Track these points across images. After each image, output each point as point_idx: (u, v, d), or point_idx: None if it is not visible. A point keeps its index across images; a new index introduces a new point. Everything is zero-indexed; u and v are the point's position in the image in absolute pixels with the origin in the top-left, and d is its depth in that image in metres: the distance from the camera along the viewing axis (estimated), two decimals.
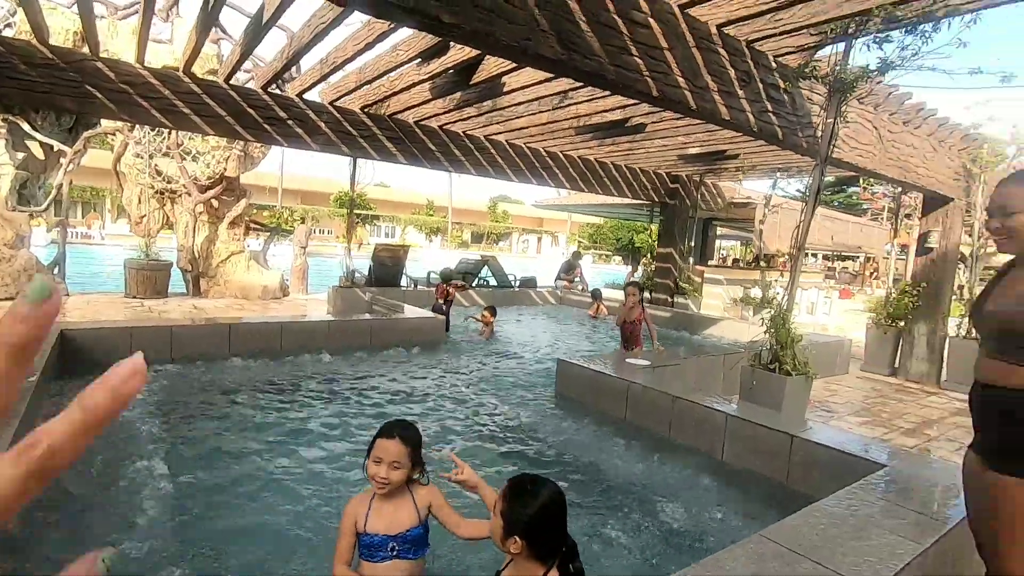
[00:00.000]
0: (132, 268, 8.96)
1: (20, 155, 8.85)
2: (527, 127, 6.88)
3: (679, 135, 6.92)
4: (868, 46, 3.35)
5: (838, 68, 3.61)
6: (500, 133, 7.50)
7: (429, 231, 45.51)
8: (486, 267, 11.64)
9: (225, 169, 9.44)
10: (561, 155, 8.51)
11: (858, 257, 30.80)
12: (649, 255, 11.50)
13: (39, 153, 9.18)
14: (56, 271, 8.73)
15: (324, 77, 5.31)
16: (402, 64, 4.85)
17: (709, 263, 16.78)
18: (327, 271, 13.16)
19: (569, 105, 5.94)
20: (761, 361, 3.88)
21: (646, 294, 10.85)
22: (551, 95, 5.56)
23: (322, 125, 6.26)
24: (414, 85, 5.48)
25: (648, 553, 2.42)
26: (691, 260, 10.47)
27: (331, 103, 6.26)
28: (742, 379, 3.91)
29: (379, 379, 4.93)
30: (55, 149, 9.05)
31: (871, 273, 28.73)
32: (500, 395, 4.71)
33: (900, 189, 8.67)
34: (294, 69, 7.21)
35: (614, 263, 46.36)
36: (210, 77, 5.70)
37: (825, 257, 33.12)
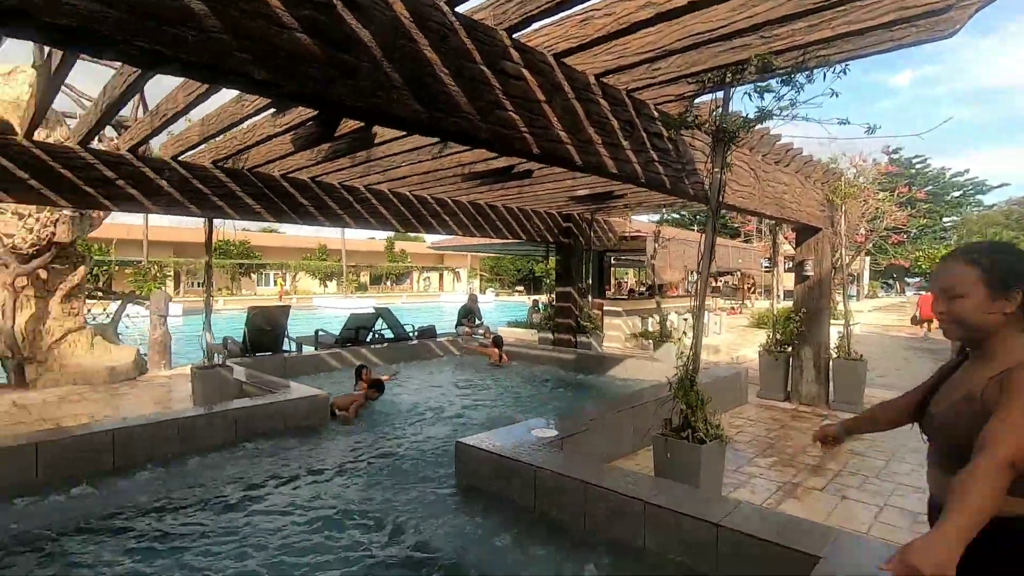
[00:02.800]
0: None
1: None
2: (410, 175, 6.40)
3: (567, 179, 6.78)
4: (749, 95, 3.26)
5: (718, 117, 3.51)
6: (381, 183, 6.95)
7: (323, 276, 43.20)
8: (380, 320, 10.86)
9: (54, 234, 7.99)
10: (450, 201, 8.10)
11: (736, 272, 33.46)
12: (549, 293, 11.35)
13: None
14: None
15: (156, 131, 4.49)
16: (251, 116, 4.18)
17: (607, 293, 17.14)
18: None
19: (451, 154, 5.55)
20: (672, 427, 3.60)
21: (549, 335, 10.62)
22: (430, 144, 5.13)
23: (163, 184, 5.35)
24: (271, 137, 4.81)
25: None
26: (589, 297, 10.42)
27: (174, 158, 5.39)
28: (655, 451, 3.60)
29: (238, 490, 4.07)
30: None
31: (749, 287, 31.26)
32: (390, 495, 4.03)
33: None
34: (131, 113, 6.24)
35: (516, 294, 46.74)
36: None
37: (710, 275, 35.65)
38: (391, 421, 6.12)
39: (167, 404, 7.11)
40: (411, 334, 11.14)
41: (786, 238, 16.65)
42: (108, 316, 10.15)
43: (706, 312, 14.06)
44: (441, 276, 51.91)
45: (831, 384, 7.30)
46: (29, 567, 2.99)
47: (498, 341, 9.86)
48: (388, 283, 46.71)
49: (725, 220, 34.95)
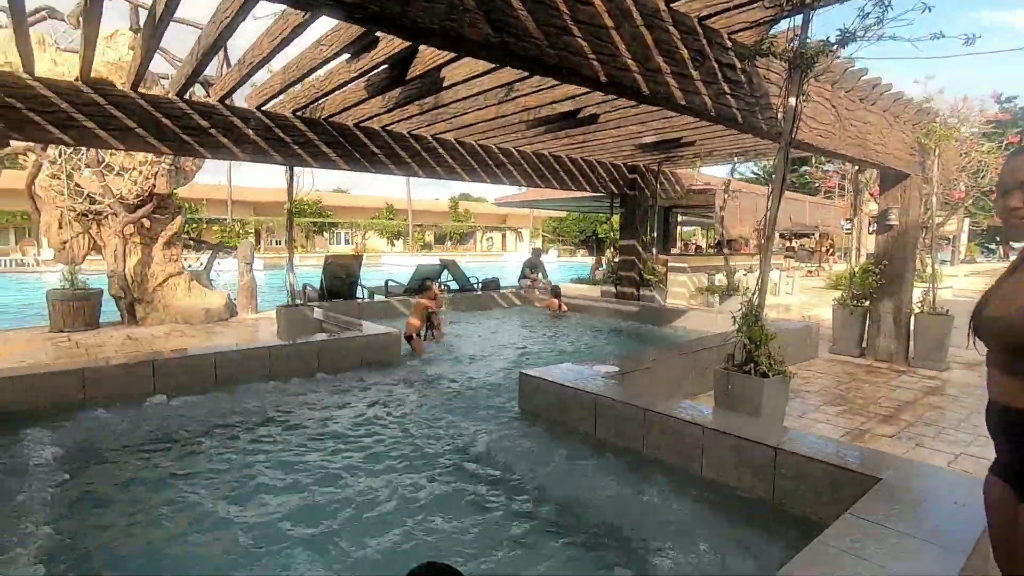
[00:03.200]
0: (56, 300, 8.20)
1: None
2: (475, 123, 6.49)
3: (633, 124, 6.65)
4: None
5: (796, 43, 3.35)
6: (447, 132, 7.08)
7: (390, 235, 44.57)
8: (446, 271, 11.21)
9: (154, 185, 8.74)
10: (514, 151, 8.15)
11: (813, 234, 31.48)
12: (612, 248, 11.28)
13: None
14: None
15: (243, 79, 4.80)
16: (328, 60, 4.39)
17: (672, 251, 16.75)
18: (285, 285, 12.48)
19: (516, 97, 5.58)
20: (734, 362, 3.61)
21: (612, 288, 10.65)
22: (495, 88, 5.19)
23: (250, 133, 5.73)
24: (346, 83, 5.02)
25: None
26: (654, 251, 10.27)
27: (258, 108, 5.74)
28: (716, 384, 3.64)
29: (327, 409, 4.49)
30: None
31: (827, 249, 29.42)
32: (460, 417, 4.32)
33: (856, 167, 8.65)
34: (216, 72, 6.65)
35: (579, 255, 46.39)
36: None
37: (782, 236, 33.65)
38: (457, 359, 6.44)
39: (256, 341, 7.77)
40: (475, 286, 11.45)
41: (872, 195, 15.48)
42: (201, 264, 11.07)
43: (777, 271, 13.49)
44: (504, 236, 52.22)
45: (912, 340, 6.94)
46: (161, 455, 3.48)
47: (556, 291, 9.99)
48: (449, 243, 47.61)
49: (804, 178, 32.80)
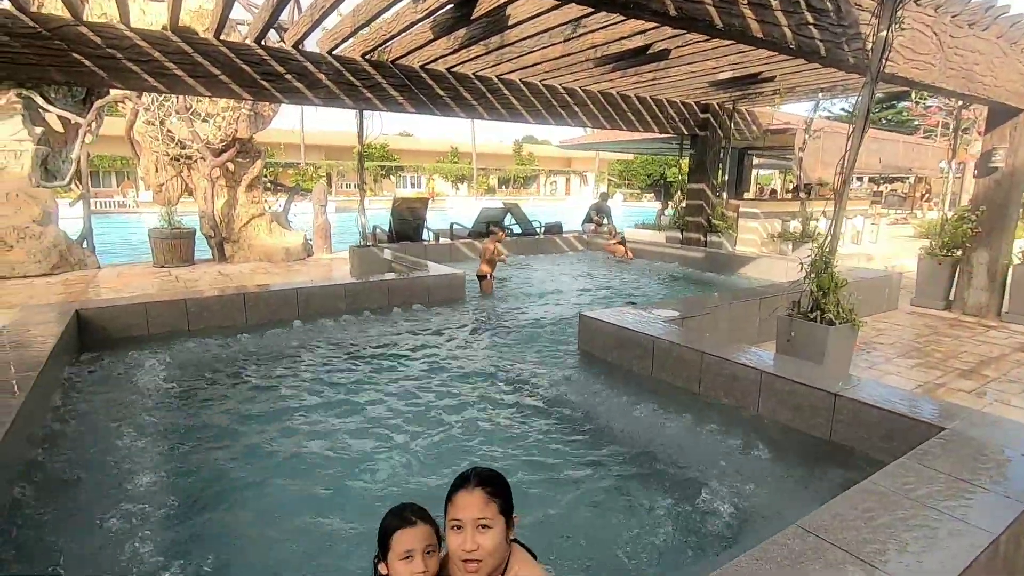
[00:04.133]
0: (156, 238, 9.02)
1: (39, 130, 8.82)
2: (540, 63, 6.36)
3: (707, 59, 6.29)
4: None
5: None
6: (512, 72, 6.98)
7: (455, 179, 44.88)
8: (509, 215, 11.30)
9: (236, 131, 9.23)
10: (580, 91, 7.93)
11: (907, 178, 28.71)
12: (680, 192, 10.91)
13: (57, 126, 9.15)
14: (84, 245, 8.85)
15: (316, 23, 4.93)
16: (396, 1, 4.42)
17: (745, 196, 15.96)
18: (355, 227, 13.06)
19: (583, 35, 5.41)
20: (800, 309, 3.54)
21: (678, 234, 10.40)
22: (562, 25, 5.04)
23: (322, 77, 5.90)
24: (413, 25, 5.03)
25: (674, 539, 2.24)
26: (724, 195, 9.86)
27: (329, 52, 5.88)
28: (779, 330, 3.59)
29: (398, 341, 4.82)
30: (72, 122, 8.99)
31: (922, 195, 26.86)
32: (521, 353, 4.53)
33: (960, 102, 7.82)
34: (288, 17, 6.82)
35: (645, 199, 44.94)
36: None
37: (871, 180, 30.92)
38: (521, 300, 6.66)
39: (332, 278, 8.30)
40: (538, 230, 11.50)
41: (980, 133, 13.90)
42: (280, 206, 11.72)
43: (861, 217, 12.55)
44: (568, 180, 51.31)
45: (1007, 294, 6.44)
46: (253, 374, 3.92)
47: (622, 240, 9.89)
48: (505, 188, 47.36)
49: (902, 115, 29.70)
